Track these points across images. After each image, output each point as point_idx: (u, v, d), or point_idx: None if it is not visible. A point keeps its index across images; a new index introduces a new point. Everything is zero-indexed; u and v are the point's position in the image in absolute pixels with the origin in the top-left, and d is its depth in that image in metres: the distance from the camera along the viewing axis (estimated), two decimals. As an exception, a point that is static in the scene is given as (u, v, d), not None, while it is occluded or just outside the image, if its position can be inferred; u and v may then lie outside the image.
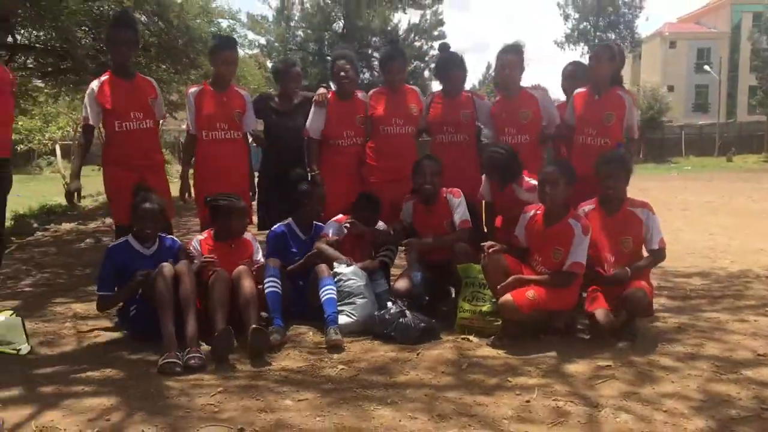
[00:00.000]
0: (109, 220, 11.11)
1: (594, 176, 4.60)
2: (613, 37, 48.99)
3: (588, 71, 5.38)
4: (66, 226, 10.93)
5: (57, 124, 19.33)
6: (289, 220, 5.13)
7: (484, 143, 5.48)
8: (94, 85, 4.98)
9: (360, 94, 5.61)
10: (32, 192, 16.47)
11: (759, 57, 44.72)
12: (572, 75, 5.66)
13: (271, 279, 4.55)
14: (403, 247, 5.09)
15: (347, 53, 5.75)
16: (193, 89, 5.39)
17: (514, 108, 5.31)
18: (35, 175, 26.94)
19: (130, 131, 4.96)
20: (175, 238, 4.81)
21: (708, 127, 43.84)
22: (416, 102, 5.53)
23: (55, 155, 22.24)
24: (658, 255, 4.56)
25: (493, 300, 4.44)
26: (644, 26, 62.71)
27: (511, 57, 5.30)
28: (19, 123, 16.69)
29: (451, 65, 5.49)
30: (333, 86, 5.74)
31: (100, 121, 5.05)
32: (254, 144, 5.71)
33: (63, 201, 15.11)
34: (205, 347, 4.04)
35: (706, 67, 50.47)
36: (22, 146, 20.54)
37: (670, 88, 50.95)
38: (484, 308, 4.51)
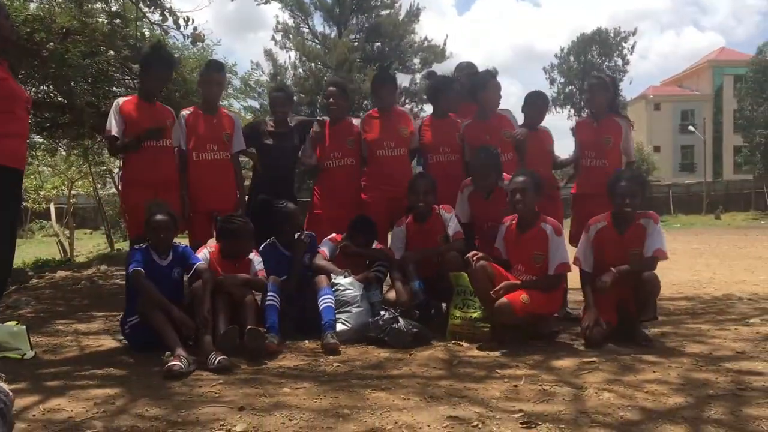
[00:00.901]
0: (104, 267, 11.22)
1: (602, 195, 4.84)
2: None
3: (586, 102, 6.02)
4: (61, 273, 10.99)
5: (52, 184, 19.27)
6: (273, 239, 5.26)
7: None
8: (120, 100, 5.15)
9: (353, 120, 5.86)
10: (25, 254, 16.27)
11: (743, 116, 45.70)
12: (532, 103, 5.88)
13: (271, 294, 4.69)
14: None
15: (338, 81, 6.03)
16: (184, 111, 5.53)
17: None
18: (27, 239, 26.68)
19: (150, 149, 5.08)
20: (188, 247, 4.85)
21: (695, 185, 44.32)
22: (406, 124, 5.73)
23: (48, 218, 22.01)
24: (648, 262, 4.59)
25: (483, 307, 4.61)
26: (628, 89, 64.36)
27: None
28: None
29: (442, 87, 5.82)
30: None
31: (121, 134, 5.09)
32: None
33: (57, 257, 15.25)
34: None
35: (691, 128, 51.48)
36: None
37: (656, 149, 51.99)
38: (474, 315, 4.68)
